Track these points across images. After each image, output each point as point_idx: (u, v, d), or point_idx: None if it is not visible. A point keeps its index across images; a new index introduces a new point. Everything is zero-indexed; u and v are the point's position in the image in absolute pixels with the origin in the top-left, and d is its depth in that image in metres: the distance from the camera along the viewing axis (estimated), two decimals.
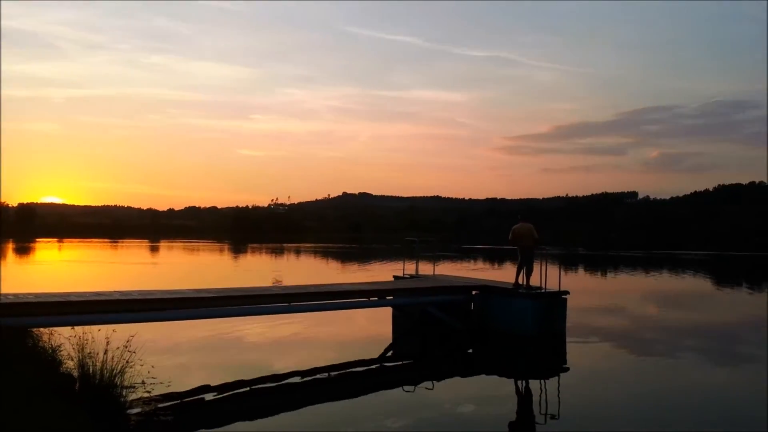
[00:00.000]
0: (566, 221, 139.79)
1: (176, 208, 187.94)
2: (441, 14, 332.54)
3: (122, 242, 73.70)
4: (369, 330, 14.89)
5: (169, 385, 8.61)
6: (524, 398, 9.37)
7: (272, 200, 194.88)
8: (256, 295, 11.55)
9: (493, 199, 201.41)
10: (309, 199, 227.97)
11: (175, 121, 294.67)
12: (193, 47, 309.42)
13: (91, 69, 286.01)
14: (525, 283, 13.97)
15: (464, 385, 10.02)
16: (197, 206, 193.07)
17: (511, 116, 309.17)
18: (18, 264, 35.71)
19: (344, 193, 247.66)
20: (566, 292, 13.73)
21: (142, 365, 7.66)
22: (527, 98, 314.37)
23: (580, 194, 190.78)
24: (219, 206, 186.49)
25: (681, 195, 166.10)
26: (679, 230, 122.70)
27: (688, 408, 8.67)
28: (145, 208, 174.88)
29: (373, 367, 11.24)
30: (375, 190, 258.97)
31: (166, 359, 10.36)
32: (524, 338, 12.95)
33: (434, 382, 9.94)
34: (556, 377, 10.56)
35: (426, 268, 18.00)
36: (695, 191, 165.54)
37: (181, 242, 76.24)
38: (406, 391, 9.31)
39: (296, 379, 9.71)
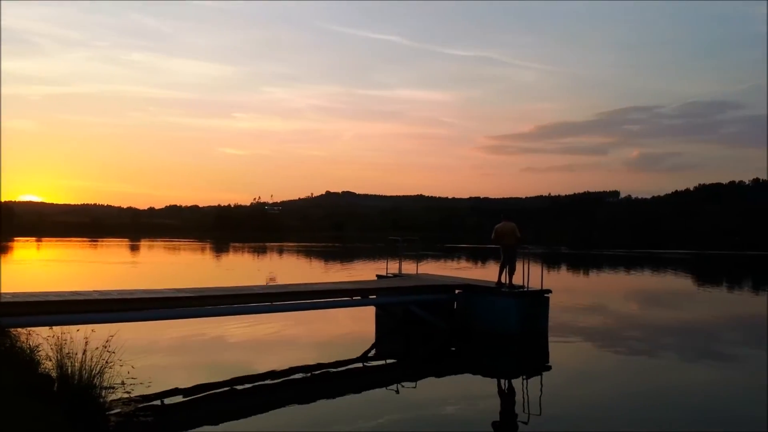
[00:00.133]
0: (549, 220, 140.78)
1: (157, 207, 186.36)
2: (425, 14, 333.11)
3: (102, 241, 72.97)
4: (352, 329, 14.84)
5: (149, 386, 8.51)
6: (507, 397, 9.38)
7: (256, 199, 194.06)
8: (237, 294, 11.45)
9: (477, 198, 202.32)
10: (292, 198, 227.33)
11: (156, 119, 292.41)
12: (175, 44, 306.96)
13: (70, 66, 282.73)
14: (508, 281, 14.00)
15: (447, 385, 10.01)
16: (178, 205, 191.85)
17: (494, 116, 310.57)
18: None
19: (327, 192, 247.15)
20: (549, 291, 13.78)
21: (121, 366, 7.57)
22: (511, 98, 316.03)
23: (562, 193, 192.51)
24: (201, 205, 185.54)
25: (662, 194, 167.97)
26: (660, 229, 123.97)
27: (670, 406, 8.73)
28: (125, 207, 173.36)
29: (356, 366, 11.20)
30: (358, 189, 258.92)
31: (146, 359, 10.23)
32: (507, 337, 12.98)
33: (417, 381, 9.93)
34: (539, 376, 10.59)
35: (409, 267, 17.99)
36: (676, 191, 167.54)
37: (162, 241, 75.62)
38: (390, 391, 9.29)
39: (278, 380, 9.65)
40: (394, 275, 16.37)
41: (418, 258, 20.03)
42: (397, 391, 9.23)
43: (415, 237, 19.79)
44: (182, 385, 8.88)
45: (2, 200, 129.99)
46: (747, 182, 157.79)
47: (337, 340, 13.50)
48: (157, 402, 8.00)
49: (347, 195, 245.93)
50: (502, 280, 14.11)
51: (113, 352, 7.17)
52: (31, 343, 8.41)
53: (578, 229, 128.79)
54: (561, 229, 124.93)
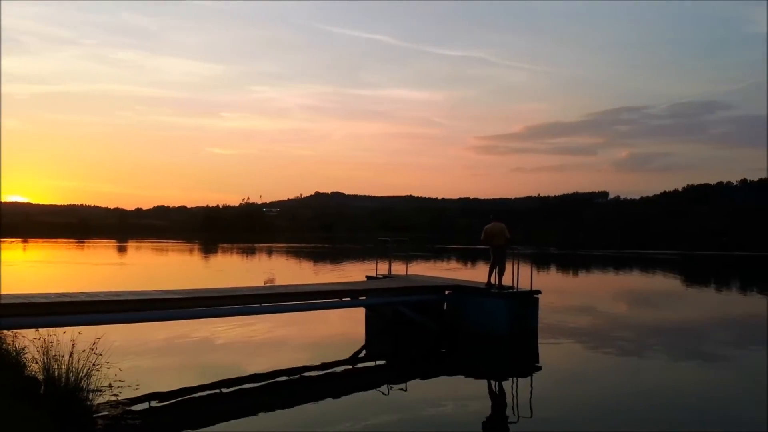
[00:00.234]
0: (538, 221, 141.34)
1: (144, 208, 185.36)
2: (415, 13, 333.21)
3: (89, 242, 72.50)
4: (342, 330, 14.82)
5: (137, 388, 8.45)
6: (497, 398, 9.39)
7: (244, 199, 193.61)
8: (225, 295, 11.39)
9: (466, 199, 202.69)
10: (281, 199, 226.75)
11: (143, 118, 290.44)
12: (162, 43, 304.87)
13: (57, 65, 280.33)
14: (497, 282, 14.02)
15: (437, 386, 10.00)
16: (166, 205, 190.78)
17: (484, 116, 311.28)
18: None
19: (317, 193, 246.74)
20: (538, 292, 13.81)
21: (109, 368, 7.51)
22: (501, 98, 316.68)
23: (551, 194, 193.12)
24: (189, 205, 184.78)
25: (651, 195, 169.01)
26: (648, 230, 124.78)
27: (659, 407, 8.76)
28: (112, 208, 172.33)
29: (346, 368, 11.18)
30: (348, 190, 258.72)
31: (133, 362, 10.16)
32: (496, 338, 13.00)
33: (407, 382, 9.92)
34: (529, 377, 10.61)
35: (399, 268, 17.98)
36: (665, 191, 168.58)
37: (149, 242, 75.23)
38: (379, 392, 9.27)
39: (267, 381, 9.60)
40: (384, 276, 16.35)
41: (408, 259, 20.03)
42: (387, 393, 9.21)
43: (405, 238, 19.78)
44: (170, 388, 8.81)
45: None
46: (735, 183, 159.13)
47: (327, 342, 13.46)
48: (145, 405, 7.94)
49: (337, 195, 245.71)
50: (492, 280, 14.13)
51: (100, 355, 7.11)
52: (17, 346, 8.32)
53: (567, 229, 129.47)
54: (550, 229, 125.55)
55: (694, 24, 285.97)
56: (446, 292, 14.45)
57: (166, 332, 12.76)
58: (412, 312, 13.70)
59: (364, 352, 12.75)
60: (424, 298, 14.17)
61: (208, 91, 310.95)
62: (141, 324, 11.11)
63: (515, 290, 13.53)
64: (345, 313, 15.47)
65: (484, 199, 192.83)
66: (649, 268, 40.89)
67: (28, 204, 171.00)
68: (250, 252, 55.55)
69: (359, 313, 15.17)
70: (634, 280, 32.70)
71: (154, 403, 8.07)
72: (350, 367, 11.32)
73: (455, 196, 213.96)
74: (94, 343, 7.13)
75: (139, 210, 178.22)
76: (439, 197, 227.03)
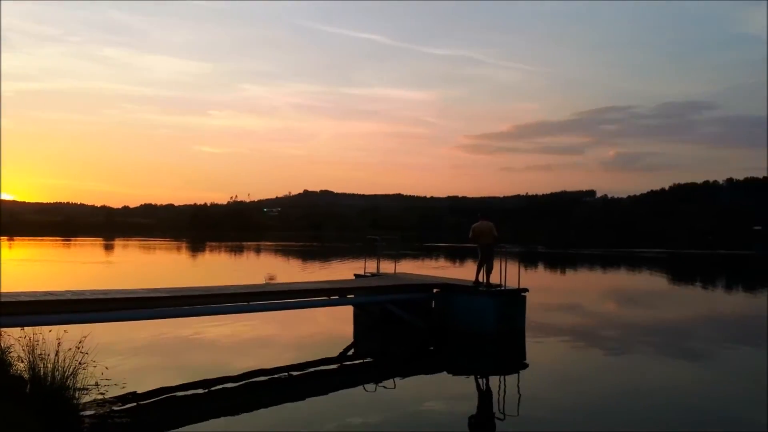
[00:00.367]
0: (526, 220, 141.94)
1: (131, 206, 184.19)
2: (404, 12, 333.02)
3: (75, 240, 71.97)
4: (330, 329, 14.82)
5: (123, 387, 8.42)
6: (484, 395, 9.43)
7: (233, 197, 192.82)
8: (213, 294, 11.36)
9: (455, 198, 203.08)
10: (270, 197, 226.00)
11: (130, 116, 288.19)
12: (150, 41, 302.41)
13: (43, 62, 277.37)
14: (485, 280, 14.08)
15: (425, 383, 10.04)
16: (153, 204, 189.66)
17: (473, 115, 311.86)
18: None
19: (305, 191, 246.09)
20: (525, 290, 13.88)
21: (95, 367, 7.46)
22: (489, 97, 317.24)
23: (539, 193, 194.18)
24: (176, 204, 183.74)
25: (638, 194, 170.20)
26: (635, 229, 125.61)
27: (645, 404, 8.84)
28: (99, 206, 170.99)
29: (334, 366, 11.18)
30: (337, 188, 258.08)
31: (120, 360, 10.12)
32: (484, 336, 13.05)
33: (395, 380, 9.93)
34: (516, 375, 10.67)
35: (387, 267, 18.00)
36: (651, 190, 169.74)
37: (136, 240, 74.80)
38: (368, 390, 9.28)
39: (255, 380, 9.59)
40: (372, 274, 16.37)
41: (397, 257, 20.06)
42: (375, 391, 9.22)
43: (394, 236, 19.81)
44: (157, 386, 8.78)
45: None
46: (721, 182, 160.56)
47: (315, 340, 13.46)
48: (132, 403, 7.91)
49: (325, 194, 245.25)
50: (480, 279, 14.18)
51: (86, 353, 7.07)
52: (2, 345, 8.26)
53: (555, 228, 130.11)
54: (538, 228, 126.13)
55: (681, 25, 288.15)
56: (434, 291, 14.49)
57: (153, 331, 12.71)
58: (400, 310, 13.73)
59: (352, 350, 12.76)
60: (413, 296, 14.20)
61: (197, 89, 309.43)
62: (128, 323, 11.06)
63: (503, 288, 13.59)
64: (333, 312, 15.48)
65: (472, 198, 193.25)
66: (636, 266, 41.19)
67: (14, 202, 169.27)
68: (238, 250, 55.37)
69: (347, 311, 15.18)
70: (621, 278, 32.93)
71: (140, 402, 8.04)
72: (338, 365, 11.33)
73: (444, 195, 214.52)
74: (80, 342, 7.09)
75: (126, 208, 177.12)
76: (428, 196, 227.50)
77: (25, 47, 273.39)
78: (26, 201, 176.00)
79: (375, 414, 8.04)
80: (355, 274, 17.04)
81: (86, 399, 7.46)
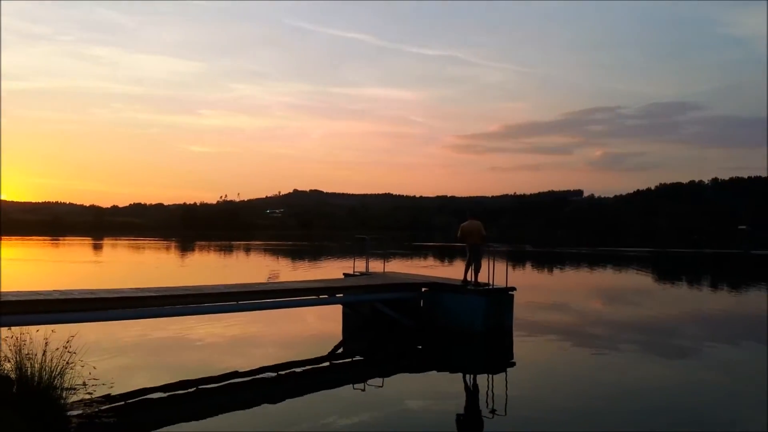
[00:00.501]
0: (514, 219, 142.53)
1: (120, 205, 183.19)
2: (393, 12, 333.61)
3: (64, 240, 71.46)
4: (319, 328, 14.84)
5: (111, 386, 8.40)
6: (472, 393, 9.49)
7: (222, 197, 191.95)
8: (201, 293, 11.33)
9: (444, 197, 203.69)
10: (259, 196, 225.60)
11: (120, 115, 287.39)
12: (139, 40, 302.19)
13: (32, 61, 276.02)
14: (473, 279, 14.14)
15: (413, 382, 10.09)
16: (143, 203, 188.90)
17: (462, 115, 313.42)
18: None
19: (295, 191, 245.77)
20: (513, 289, 13.95)
21: (82, 366, 7.44)
22: (478, 97, 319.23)
23: (527, 192, 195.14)
24: (166, 203, 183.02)
25: (624, 193, 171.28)
26: (622, 227, 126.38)
27: (631, 402, 8.94)
28: (87, 205, 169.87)
29: (323, 365, 11.20)
30: (326, 188, 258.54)
31: (108, 360, 10.09)
32: (472, 334, 13.12)
33: (384, 379, 9.97)
34: (504, 373, 10.74)
35: (376, 266, 18.03)
36: (638, 190, 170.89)
37: (125, 240, 74.36)
38: (356, 389, 9.31)
39: (244, 379, 9.60)
40: (361, 273, 16.40)
41: (386, 256, 20.09)
42: (364, 389, 9.26)
43: (383, 235, 19.83)
44: (145, 386, 8.77)
45: None
46: (706, 182, 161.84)
47: (304, 339, 13.48)
48: (120, 403, 7.90)
49: (315, 193, 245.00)
50: (468, 277, 14.23)
51: (74, 353, 7.05)
52: None
53: (543, 227, 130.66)
54: (526, 227, 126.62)
55: (668, 27, 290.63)
56: (423, 290, 14.54)
57: (141, 331, 12.68)
58: (389, 309, 13.77)
59: (341, 348, 12.78)
60: (401, 295, 14.24)
61: (187, 88, 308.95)
62: (116, 322, 11.03)
63: (491, 287, 13.66)
64: (322, 311, 15.50)
65: (461, 197, 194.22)
66: (622, 265, 41.47)
67: (1, 201, 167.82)
68: (227, 250, 55.19)
69: (336, 310, 15.20)
70: (608, 277, 33.15)
71: (128, 401, 8.03)
72: (327, 363, 11.35)
73: (433, 194, 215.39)
74: (67, 342, 7.07)
75: (115, 207, 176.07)
76: (417, 195, 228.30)
77: (14, 46, 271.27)
78: (15, 200, 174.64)
79: (363, 412, 8.08)
80: (344, 273, 17.06)
81: (74, 399, 7.44)
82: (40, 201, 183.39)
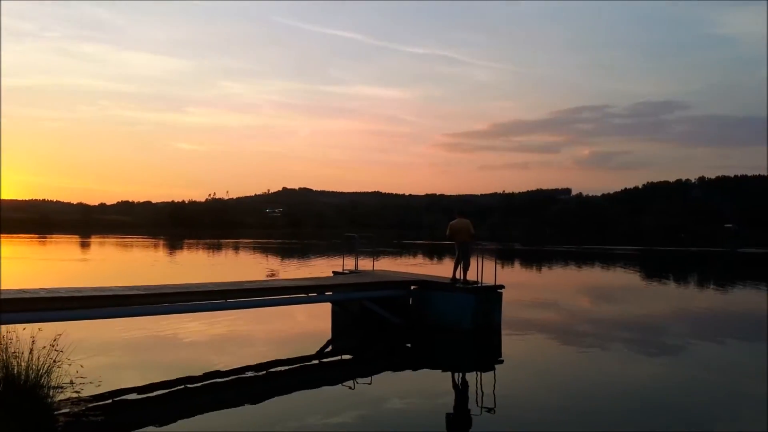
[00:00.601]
0: (502, 217, 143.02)
1: (108, 203, 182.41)
2: (381, 10, 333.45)
3: (51, 238, 70.93)
4: (308, 326, 14.84)
5: (99, 385, 8.35)
6: (461, 391, 9.52)
7: (211, 195, 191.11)
8: (189, 291, 11.27)
9: (433, 195, 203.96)
10: (248, 194, 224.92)
11: (107, 112, 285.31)
12: (127, 37, 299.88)
13: (19, 58, 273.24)
14: (462, 277, 14.18)
15: (403, 380, 10.10)
16: (130, 201, 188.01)
17: (451, 113, 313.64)
18: None
19: (284, 189, 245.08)
20: (502, 287, 14.00)
21: (70, 365, 7.40)
22: (467, 96, 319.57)
23: (516, 191, 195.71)
24: (154, 201, 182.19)
25: (612, 192, 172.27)
26: (609, 226, 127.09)
27: (619, 398, 9.01)
28: (75, 203, 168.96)
29: (312, 363, 11.19)
30: (315, 186, 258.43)
31: (95, 359, 10.03)
32: (461, 332, 13.16)
33: (373, 377, 9.97)
34: (492, 370, 10.78)
35: (366, 264, 18.05)
36: (625, 188, 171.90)
37: (113, 238, 73.92)
38: (345, 387, 9.31)
39: (232, 377, 9.58)
40: (350, 271, 16.41)
41: (375, 254, 20.11)
42: (353, 387, 9.26)
43: (372, 233, 19.85)
44: (133, 384, 8.73)
45: None
46: (693, 180, 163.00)
47: (293, 337, 13.47)
48: (108, 401, 7.85)
49: (304, 191, 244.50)
50: (457, 275, 14.28)
51: (61, 351, 7.00)
52: None
53: (531, 225, 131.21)
54: (514, 225, 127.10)
55: (655, 26, 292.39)
56: (412, 287, 14.56)
57: (129, 329, 12.61)
58: (378, 307, 13.79)
59: (330, 347, 12.78)
60: (390, 293, 14.25)
61: (174, 85, 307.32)
62: (103, 321, 10.95)
63: (479, 285, 13.70)
64: (311, 309, 15.50)
65: (450, 196, 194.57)
66: (610, 263, 41.73)
67: (1, 200, 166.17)
68: (216, 248, 55.00)
69: (325, 308, 15.19)
70: (596, 275, 33.34)
71: (116, 400, 7.99)
72: (316, 362, 11.34)
73: (422, 193, 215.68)
74: (54, 340, 7.02)
75: (103, 205, 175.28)
76: (407, 194, 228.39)
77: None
78: (1, 198, 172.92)
79: (352, 411, 8.08)
80: (333, 271, 17.06)
81: (61, 397, 7.40)
82: (27, 199, 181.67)
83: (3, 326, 7.70)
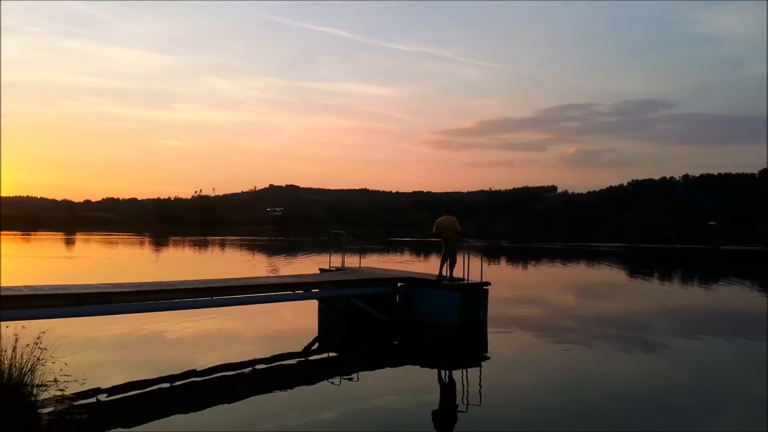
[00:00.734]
0: (489, 214, 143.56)
1: (93, 200, 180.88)
2: (368, 7, 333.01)
3: (35, 235, 70.26)
4: (294, 323, 14.82)
5: (83, 383, 8.31)
6: (447, 387, 9.56)
7: (197, 192, 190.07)
8: (176, 289, 11.23)
9: (420, 193, 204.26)
10: (235, 191, 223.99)
11: (91, 109, 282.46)
12: (111, 32, 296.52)
13: (2, 53, 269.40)
14: (448, 274, 14.22)
15: (389, 377, 10.12)
16: (116, 198, 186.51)
17: (438, 111, 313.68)
18: None
19: (271, 186, 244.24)
20: (488, 284, 14.06)
21: (54, 363, 7.34)
22: (453, 93, 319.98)
23: (502, 188, 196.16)
24: (139, 198, 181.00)
25: (597, 189, 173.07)
26: (595, 223, 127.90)
27: (603, 394, 9.09)
28: (59, 200, 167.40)
29: (299, 360, 11.18)
30: (302, 183, 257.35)
31: (80, 356, 9.97)
32: (447, 329, 13.20)
33: (359, 373, 9.99)
34: (478, 367, 10.82)
35: (352, 261, 18.05)
36: (610, 186, 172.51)
37: (98, 235, 73.35)
38: (332, 384, 9.32)
39: (219, 375, 9.55)
40: (337, 269, 16.40)
41: (361, 252, 20.10)
42: (339, 384, 9.27)
43: (359, 231, 19.85)
44: (118, 382, 8.68)
45: None
46: (677, 178, 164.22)
47: (280, 334, 13.44)
48: (92, 399, 7.81)
49: (291, 189, 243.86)
50: (443, 273, 14.32)
51: (45, 349, 6.95)
52: None
53: (517, 222, 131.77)
54: (501, 222, 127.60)
55: (640, 25, 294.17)
56: (398, 285, 14.58)
57: (114, 326, 12.54)
58: (364, 304, 13.80)
59: (316, 344, 12.77)
60: (377, 290, 14.27)
61: (160, 81, 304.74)
62: (88, 318, 10.88)
63: (466, 282, 13.75)
64: (298, 306, 15.48)
65: (437, 193, 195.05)
66: (596, 260, 42.02)
67: (1, 198, 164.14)
68: (202, 245, 54.74)
69: (312, 305, 15.17)
70: (581, 271, 33.55)
71: (101, 398, 7.95)
72: (303, 359, 11.33)
73: (409, 190, 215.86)
74: (38, 338, 6.97)
75: (87, 202, 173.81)
76: (393, 191, 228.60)
77: None
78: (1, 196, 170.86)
79: (339, 407, 8.09)
80: (320, 269, 17.05)
81: (45, 395, 7.36)
82: (11, 195, 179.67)
83: None
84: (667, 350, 12.35)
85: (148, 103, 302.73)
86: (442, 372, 10.57)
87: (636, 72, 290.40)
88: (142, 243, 56.54)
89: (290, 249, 50.83)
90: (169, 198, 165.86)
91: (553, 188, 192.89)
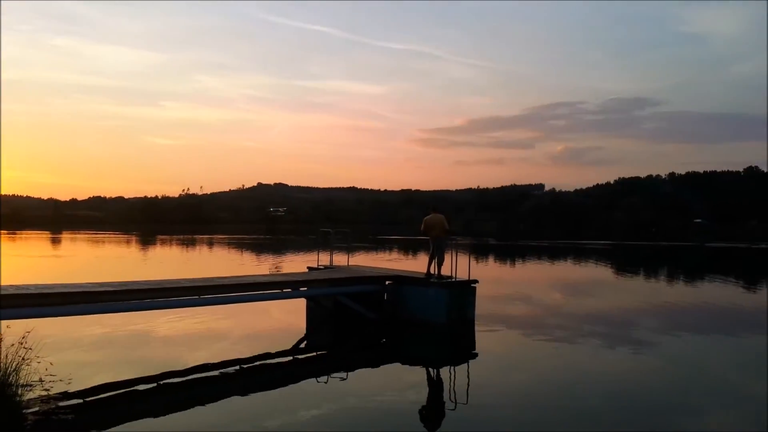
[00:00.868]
0: (477, 212, 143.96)
1: (80, 198, 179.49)
2: (357, 5, 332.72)
3: (21, 234, 69.62)
4: (282, 322, 14.79)
5: (69, 383, 8.25)
6: (435, 385, 9.58)
7: (185, 190, 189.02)
8: (163, 288, 11.17)
9: (408, 191, 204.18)
10: (223, 190, 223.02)
11: (79, 106, 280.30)
12: (100, 30, 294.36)
13: None
14: (436, 272, 14.25)
15: (377, 375, 10.13)
16: (103, 196, 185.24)
17: (426, 109, 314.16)
18: None
19: (259, 184, 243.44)
20: (475, 281, 14.11)
21: (39, 363, 7.28)
22: (442, 92, 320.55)
23: (490, 186, 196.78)
24: (126, 196, 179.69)
25: (584, 187, 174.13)
26: (582, 221, 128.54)
27: (590, 391, 9.14)
28: (46, 198, 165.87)
29: (287, 359, 11.18)
30: (291, 181, 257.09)
31: (65, 356, 9.90)
32: (435, 327, 13.23)
33: (348, 372, 9.99)
34: (466, 364, 10.86)
35: (341, 259, 18.04)
36: (597, 184, 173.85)
37: (85, 234, 72.80)
38: (320, 382, 9.31)
39: (206, 374, 9.51)
40: (325, 267, 16.38)
41: (350, 250, 20.09)
42: (327, 382, 9.27)
43: (347, 229, 19.83)
44: (104, 382, 8.62)
45: None
46: (663, 176, 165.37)
47: (268, 333, 13.41)
48: (78, 400, 7.75)
49: (280, 187, 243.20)
50: (431, 271, 14.34)
51: (30, 349, 6.90)
52: None
53: (505, 220, 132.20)
54: (488, 220, 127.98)
55: (627, 23, 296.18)
56: (386, 283, 14.59)
57: (101, 326, 12.46)
58: (352, 302, 13.80)
59: (304, 342, 12.76)
60: (365, 288, 14.27)
61: (148, 79, 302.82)
62: (74, 317, 10.81)
63: (454, 280, 13.78)
64: (286, 304, 15.45)
65: (425, 191, 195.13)
66: (583, 257, 42.25)
67: (1, 196, 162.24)
68: (190, 244, 54.49)
69: (300, 304, 15.16)
70: (568, 269, 33.72)
71: (87, 398, 7.89)
72: (291, 357, 11.32)
73: (397, 188, 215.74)
74: (23, 337, 6.91)
75: (74, 200, 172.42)
76: (382, 189, 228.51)
77: None
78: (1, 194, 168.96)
79: (327, 405, 8.09)
80: (308, 267, 17.02)
81: (30, 396, 7.30)
82: None
83: None
84: (654, 347, 12.43)
85: (137, 101, 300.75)
86: (430, 370, 10.59)
87: (623, 70, 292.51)
88: (129, 242, 56.19)
89: (278, 247, 50.70)
90: (157, 197, 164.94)
91: (541, 186, 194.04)
